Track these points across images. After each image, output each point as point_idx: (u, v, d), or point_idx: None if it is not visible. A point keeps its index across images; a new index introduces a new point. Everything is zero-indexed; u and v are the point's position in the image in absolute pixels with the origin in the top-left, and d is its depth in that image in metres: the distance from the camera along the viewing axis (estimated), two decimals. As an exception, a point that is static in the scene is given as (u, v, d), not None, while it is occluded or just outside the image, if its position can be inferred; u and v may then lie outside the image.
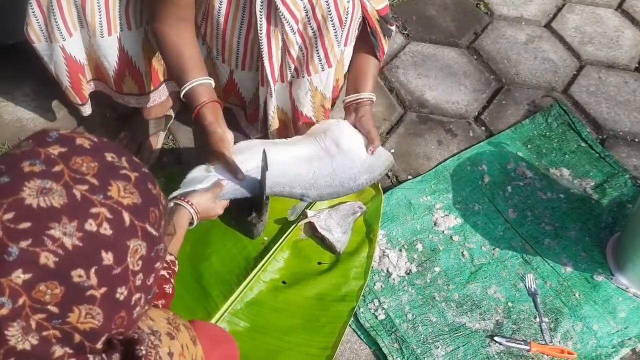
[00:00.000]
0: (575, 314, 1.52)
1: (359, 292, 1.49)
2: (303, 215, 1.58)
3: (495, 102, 2.02)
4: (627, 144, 1.93)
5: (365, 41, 1.45)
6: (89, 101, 1.57)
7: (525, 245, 1.65)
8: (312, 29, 1.33)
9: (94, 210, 0.52)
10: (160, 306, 0.98)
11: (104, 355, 0.58)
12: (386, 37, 1.47)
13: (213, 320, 1.40)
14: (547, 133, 1.92)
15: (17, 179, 0.52)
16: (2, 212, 0.50)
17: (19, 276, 0.50)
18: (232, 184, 1.32)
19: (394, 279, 1.54)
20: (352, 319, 1.45)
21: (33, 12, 1.32)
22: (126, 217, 0.54)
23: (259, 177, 1.33)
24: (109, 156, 0.56)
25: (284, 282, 1.51)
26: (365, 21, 1.42)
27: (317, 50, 1.36)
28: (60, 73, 1.44)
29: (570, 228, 1.69)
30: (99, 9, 1.33)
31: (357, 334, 1.46)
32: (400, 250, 1.60)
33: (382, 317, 1.47)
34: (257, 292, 1.48)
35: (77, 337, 0.53)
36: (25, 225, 0.50)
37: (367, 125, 1.43)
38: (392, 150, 1.83)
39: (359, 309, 1.48)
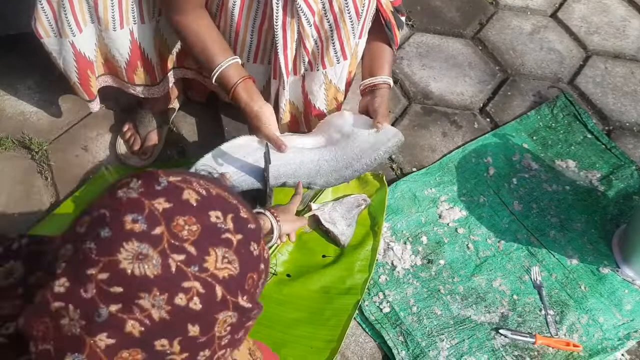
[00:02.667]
0: (581, 306, 1.52)
1: (364, 285, 1.49)
2: (308, 207, 1.58)
3: (500, 94, 2.00)
4: (633, 135, 1.92)
5: (380, 31, 1.44)
6: (98, 97, 1.56)
7: (531, 237, 1.64)
8: (329, 22, 1.32)
9: (186, 284, 0.51)
10: None
11: None
12: (399, 29, 1.46)
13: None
14: (553, 124, 1.91)
15: (117, 237, 0.51)
16: (98, 271, 0.50)
17: (103, 339, 0.49)
18: (237, 176, 1.32)
19: (398, 271, 1.54)
20: (357, 312, 1.45)
21: (42, 7, 1.31)
22: (219, 291, 0.53)
23: (262, 170, 1.33)
24: (213, 216, 0.55)
25: (288, 275, 1.51)
26: (378, 13, 1.41)
27: (333, 43, 1.36)
28: (69, 69, 1.44)
29: (576, 220, 1.68)
30: (112, 4, 1.33)
31: (362, 327, 1.45)
32: (405, 243, 1.60)
33: (387, 310, 1.47)
34: (261, 285, 1.48)
35: None
36: (118, 289, 0.50)
37: (376, 104, 1.41)
38: (397, 143, 1.82)
39: (364, 302, 1.47)
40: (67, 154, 1.69)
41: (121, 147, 1.70)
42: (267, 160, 1.28)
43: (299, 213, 1.57)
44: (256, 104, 1.32)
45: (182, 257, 0.51)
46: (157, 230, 0.51)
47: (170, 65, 1.57)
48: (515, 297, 1.53)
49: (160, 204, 0.53)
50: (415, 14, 2.22)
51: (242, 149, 1.36)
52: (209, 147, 1.70)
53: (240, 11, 1.33)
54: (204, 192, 0.55)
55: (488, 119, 1.93)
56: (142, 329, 0.49)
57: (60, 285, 0.51)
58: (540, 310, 1.51)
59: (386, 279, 1.52)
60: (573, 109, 1.93)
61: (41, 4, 1.31)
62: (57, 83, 1.77)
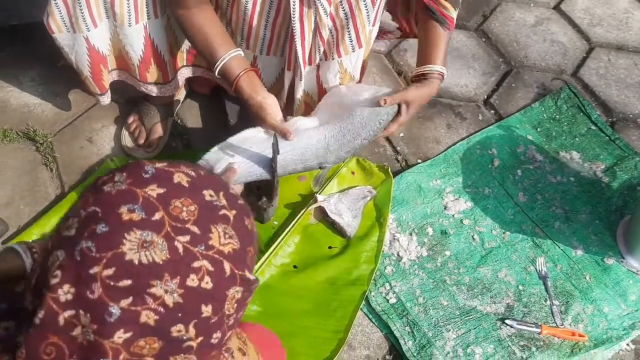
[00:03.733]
0: (586, 296, 1.52)
1: (370, 276, 1.49)
2: (314, 199, 1.58)
3: (504, 85, 2.00)
4: (637, 126, 1.92)
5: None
6: (109, 91, 1.56)
7: (536, 228, 1.64)
8: (344, 10, 1.31)
9: (196, 264, 0.51)
10: None
11: None
12: (455, 7, 1.37)
13: (225, 305, 1.41)
14: (557, 116, 1.91)
15: (117, 230, 0.50)
16: (102, 268, 0.49)
17: (120, 336, 0.49)
18: (245, 167, 1.30)
19: (404, 262, 1.54)
20: (363, 302, 1.46)
21: (56, 2, 1.30)
22: (227, 267, 0.53)
23: (270, 158, 1.31)
24: (207, 194, 0.55)
25: (295, 267, 1.51)
26: None
27: (349, 31, 1.35)
28: (81, 63, 1.43)
29: (580, 211, 1.69)
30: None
31: (368, 317, 1.46)
32: (411, 234, 1.60)
33: (393, 300, 1.48)
34: (268, 276, 1.48)
35: None
36: (126, 283, 0.49)
37: (409, 96, 1.34)
38: (402, 135, 1.82)
39: (370, 292, 1.48)
40: (72, 146, 1.69)
41: (126, 139, 1.70)
42: (275, 151, 1.27)
43: (306, 201, 1.57)
44: (259, 95, 1.31)
45: (187, 237, 0.51)
46: (157, 216, 0.51)
47: (180, 63, 1.56)
48: (520, 287, 1.53)
49: (154, 190, 0.52)
50: (419, 5, 2.21)
51: (249, 141, 1.35)
52: (213, 139, 1.69)
53: (254, 6, 1.32)
54: (192, 174, 0.55)
55: (492, 111, 1.93)
56: (157, 317, 0.49)
57: (66, 292, 0.49)
58: (546, 301, 1.52)
59: (392, 270, 1.53)
60: (577, 100, 1.94)
61: (55, 0, 1.30)
62: (61, 74, 1.77)
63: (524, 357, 1.41)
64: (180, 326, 0.50)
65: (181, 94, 1.78)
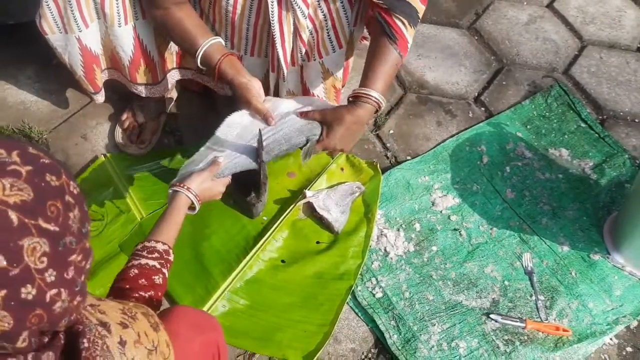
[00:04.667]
0: (571, 292, 1.54)
1: (357, 270, 1.51)
2: (302, 195, 1.60)
3: (495, 83, 2.02)
4: (627, 124, 1.93)
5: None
6: (103, 90, 1.58)
7: (523, 225, 1.66)
8: (323, 12, 1.33)
9: None
10: (148, 297, 0.98)
11: (30, 356, 0.57)
12: (410, 25, 1.28)
13: (213, 298, 1.44)
14: (547, 114, 1.93)
15: None
16: None
17: None
18: (229, 158, 1.30)
19: (391, 258, 1.56)
20: (349, 297, 1.48)
21: (47, 4, 1.33)
22: (13, 216, 0.52)
23: (255, 147, 1.31)
24: None
25: (283, 261, 1.53)
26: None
27: (328, 33, 1.37)
28: (74, 63, 1.46)
29: (568, 208, 1.70)
30: (117, 0, 1.34)
31: (354, 311, 1.48)
32: (398, 229, 1.62)
33: (379, 295, 1.50)
34: (256, 270, 1.51)
35: None
36: None
37: (322, 111, 1.31)
38: (391, 132, 1.84)
39: (357, 287, 1.50)
40: (67, 143, 1.72)
41: (119, 136, 1.73)
42: (260, 147, 1.29)
43: (295, 196, 1.59)
44: (244, 76, 1.30)
45: None
46: None
47: (170, 65, 1.58)
48: (506, 283, 1.55)
49: None
50: (412, 4, 2.23)
51: (234, 127, 1.33)
52: (205, 136, 1.72)
53: (234, 9, 1.34)
54: None
55: (483, 108, 1.95)
56: None
57: None
58: (531, 296, 1.53)
59: (379, 265, 1.55)
60: (567, 98, 1.95)
61: (46, 2, 1.32)
62: (57, 73, 1.80)
63: (508, 351, 1.43)
64: None
65: (174, 92, 1.80)
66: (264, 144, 1.29)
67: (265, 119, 1.30)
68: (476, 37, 2.15)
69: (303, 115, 1.32)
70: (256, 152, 1.31)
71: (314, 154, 1.39)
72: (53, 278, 0.54)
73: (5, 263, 0.51)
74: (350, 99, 1.30)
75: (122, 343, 0.68)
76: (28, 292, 0.53)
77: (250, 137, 1.31)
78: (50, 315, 0.55)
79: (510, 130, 1.87)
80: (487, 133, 1.85)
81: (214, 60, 1.30)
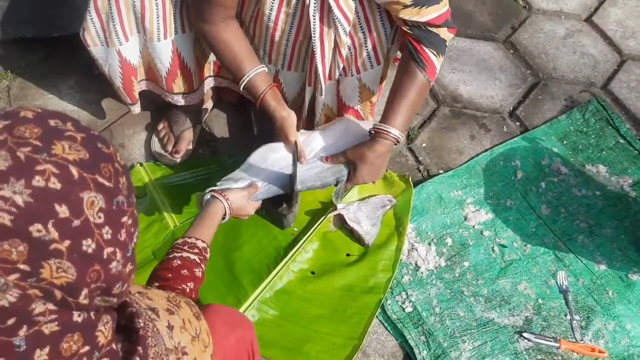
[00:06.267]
0: (608, 312, 1.50)
1: (387, 284, 1.50)
2: (333, 207, 1.61)
3: (531, 97, 1.99)
4: (668, 141, 1.88)
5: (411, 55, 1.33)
6: (139, 101, 1.63)
7: (558, 242, 1.63)
8: (362, 29, 1.35)
9: (39, 167, 0.53)
10: (189, 290, 1.01)
11: (92, 314, 0.60)
12: (439, 54, 1.32)
13: (243, 307, 1.45)
14: (584, 129, 1.89)
15: None
16: None
17: None
18: (266, 185, 1.39)
19: (422, 272, 1.55)
20: (379, 310, 1.47)
21: (91, 18, 1.38)
22: (74, 170, 0.55)
23: (289, 176, 1.39)
24: (52, 122, 0.57)
25: (312, 273, 1.54)
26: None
27: (367, 49, 1.38)
28: (114, 75, 1.51)
29: (605, 226, 1.66)
30: (157, 15, 1.39)
31: (383, 325, 1.47)
32: (430, 244, 1.60)
33: (409, 309, 1.48)
34: (286, 281, 1.51)
35: (58, 293, 0.55)
36: None
37: (342, 154, 1.40)
38: (424, 145, 1.83)
39: (387, 301, 1.49)
40: (104, 151, 1.76)
41: (155, 145, 1.76)
42: (295, 161, 1.34)
43: (326, 208, 1.60)
44: (284, 110, 1.37)
45: (28, 148, 0.54)
46: (0, 138, 0.54)
47: (207, 73, 1.62)
48: (540, 301, 1.52)
49: (0, 123, 0.55)
50: (447, 17, 2.22)
51: (267, 159, 1.42)
52: (239, 146, 1.75)
53: (275, 25, 1.37)
54: (39, 110, 0.59)
55: (518, 123, 1.92)
56: (12, 217, 0.51)
57: None
58: (566, 315, 1.50)
59: (409, 279, 1.54)
60: (605, 113, 1.91)
61: (90, 16, 1.38)
62: (98, 83, 1.85)
63: (541, 371, 1.40)
64: (39, 225, 0.52)
65: (209, 103, 1.84)
66: (298, 174, 1.37)
67: (298, 157, 1.37)
68: (512, 51, 2.13)
69: (328, 160, 1.42)
70: (289, 181, 1.39)
71: (345, 192, 1.50)
72: (109, 236, 0.57)
73: (68, 213, 0.54)
74: (372, 131, 1.36)
75: (170, 327, 0.71)
76: (88, 245, 0.56)
77: (283, 167, 1.40)
78: (107, 273, 0.58)
79: (546, 145, 1.84)
80: (521, 148, 1.83)
81: (258, 90, 1.36)
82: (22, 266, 0.52)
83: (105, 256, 0.57)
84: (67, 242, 0.54)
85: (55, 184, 0.54)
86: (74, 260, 0.55)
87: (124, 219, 0.60)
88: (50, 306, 0.55)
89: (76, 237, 0.55)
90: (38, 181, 0.53)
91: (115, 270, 0.59)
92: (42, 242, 0.53)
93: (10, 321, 0.54)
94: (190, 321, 0.77)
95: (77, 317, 0.58)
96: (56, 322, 0.56)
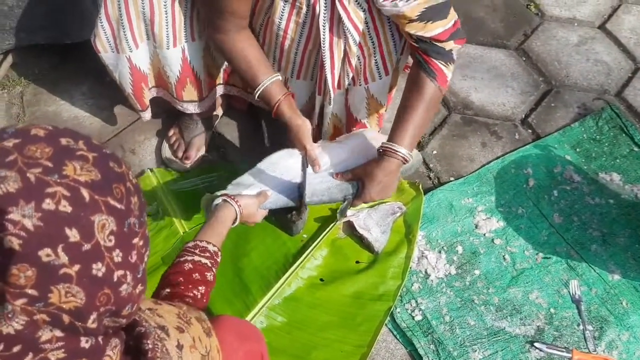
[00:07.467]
0: (622, 322, 1.47)
1: (396, 292, 1.49)
2: (343, 213, 1.60)
3: (543, 105, 1.97)
4: (684, 149, 1.85)
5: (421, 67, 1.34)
6: (149, 108, 1.64)
7: (571, 251, 1.60)
8: (372, 40, 1.35)
9: (49, 190, 0.52)
10: (200, 295, 1.00)
11: (100, 338, 0.58)
12: (448, 63, 1.32)
13: (251, 314, 1.44)
14: (598, 137, 1.87)
15: None
16: None
17: None
18: (275, 194, 1.39)
19: (432, 280, 1.53)
20: (388, 318, 1.46)
21: (102, 25, 1.39)
22: (85, 193, 0.54)
23: (298, 186, 1.40)
24: (64, 141, 0.56)
25: (321, 280, 1.53)
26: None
27: (376, 60, 1.39)
28: (124, 81, 1.52)
29: (619, 234, 1.64)
30: (167, 23, 1.40)
31: (392, 333, 1.46)
32: (440, 251, 1.59)
33: (419, 317, 1.47)
34: (295, 288, 1.50)
35: (66, 318, 0.54)
36: None
37: (353, 170, 1.43)
38: (435, 152, 1.82)
39: (396, 308, 1.48)
40: (115, 157, 1.77)
41: (166, 151, 1.77)
42: (305, 169, 1.34)
43: (333, 221, 1.60)
44: (300, 117, 1.38)
45: (39, 169, 0.52)
46: (10, 158, 0.53)
47: (217, 81, 1.63)
48: (552, 310, 1.49)
49: (10, 142, 0.54)
50: (458, 25, 2.22)
51: (277, 167, 1.43)
52: (249, 153, 1.75)
53: (285, 33, 1.37)
54: (50, 128, 0.57)
55: (530, 130, 1.90)
56: (20, 241, 0.50)
57: None
58: (578, 325, 1.47)
59: (419, 287, 1.52)
60: (619, 121, 1.88)
61: (101, 23, 1.39)
62: (109, 90, 1.86)
63: (553, 381, 1.38)
64: (48, 250, 0.51)
65: (220, 110, 1.84)
66: (307, 187, 1.39)
67: (312, 165, 1.38)
68: (524, 58, 2.12)
69: (338, 176, 1.44)
70: (297, 191, 1.41)
71: (352, 209, 1.55)
72: (120, 259, 0.56)
73: (78, 237, 0.53)
74: (380, 150, 1.37)
75: (180, 347, 0.70)
76: (98, 268, 0.55)
77: (293, 176, 1.41)
78: (117, 296, 0.57)
79: (559, 153, 1.82)
80: (533, 155, 1.81)
81: (273, 99, 1.37)
82: (30, 291, 0.51)
83: (115, 279, 0.56)
84: (76, 267, 0.53)
85: (65, 207, 0.52)
86: (83, 285, 0.54)
87: (135, 240, 0.59)
88: (58, 333, 0.54)
89: (86, 261, 0.54)
90: (48, 204, 0.52)
91: (125, 292, 0.58)
92: (51, 267, 0.52)
93: (16, 349, 0.53)
94: (201, 339, 0.76)
95: (84, 343, 0.57)
96: (63, 350, 0.55)
